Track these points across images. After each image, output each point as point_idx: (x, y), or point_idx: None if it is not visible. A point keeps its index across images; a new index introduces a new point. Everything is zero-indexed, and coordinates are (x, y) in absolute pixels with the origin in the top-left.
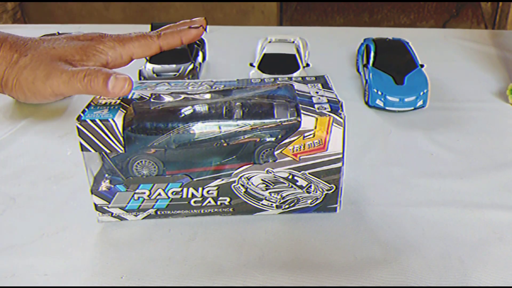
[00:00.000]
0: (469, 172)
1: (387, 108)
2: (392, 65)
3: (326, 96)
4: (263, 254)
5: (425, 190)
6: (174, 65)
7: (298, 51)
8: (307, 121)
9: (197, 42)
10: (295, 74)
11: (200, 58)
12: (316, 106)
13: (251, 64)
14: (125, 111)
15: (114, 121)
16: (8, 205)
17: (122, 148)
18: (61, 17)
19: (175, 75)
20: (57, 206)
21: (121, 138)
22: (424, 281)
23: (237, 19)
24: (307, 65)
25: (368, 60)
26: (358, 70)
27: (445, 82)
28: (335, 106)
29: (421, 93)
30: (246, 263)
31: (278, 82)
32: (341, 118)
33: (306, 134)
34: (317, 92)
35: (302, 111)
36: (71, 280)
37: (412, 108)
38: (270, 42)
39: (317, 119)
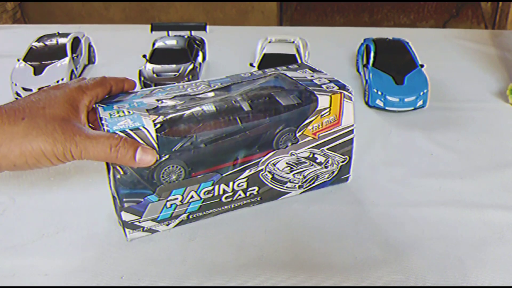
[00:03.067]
0: (469, 172)
1: (387, 108)
2: (392, 65)
3: (325, 77)
4: (263, 254)
5: (425, 190)
6: (174, 65)
7: (298, 51)
8: (323, 100)
9: (197, 42)
10: None
11: (200, 58)
12: (324, 86)
13: (251, 64)
14: (150, 117)
15: (145, 128)
16: (8, 205)
17: (157, 155)
18: (61, 17)
19: (175, 75)
20: (57, 206)
21: (156, 145)
22: (424, 281)
23: (237, 19)
24: None
25: (368, 60)
26: (358, 70)
27: (445, 82)
28: (340, 84)
29: (421, 93)
30: (246, 263)
31: (269, 73)
32: (350, 93)
33: (323, 113)
34: (312, 76)
35: (316, 92)
36: (71, 280)
37: (412, 108)
38: (270, 42)
39: (331, 97)
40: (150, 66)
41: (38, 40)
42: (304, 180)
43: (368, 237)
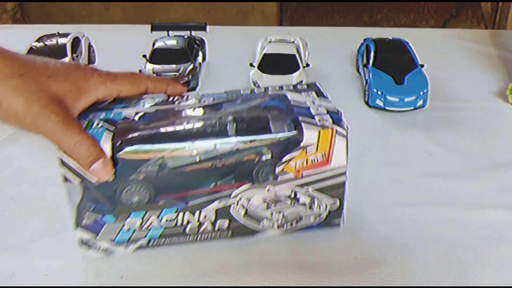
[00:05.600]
0: (469, 172)
1: (387, 108)
2: (392, 65)
3: (324, 106)
4: (263, 254)
5: (425, 190)
6: (174, 65)
7: (298, 51)
8: (309, 135)
9: (197, 42)
10: (295, 74)
11: (200, 58)
12: (316, 118)
13: (251, 64)
14: (111, 134)
15: (100, 146)
16: (8, 205)
17: (112, 175)
18: (61, 17)
19: (175, 75)
20: (57, 206)
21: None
22: (424, 281)
23: (237, 19)
24: (307, 65)
25: (368, 60)
26: (358, 70)
27: (445, 82)
28: (336, 117)
29: (421, 93)
30: (246, 263)
31: (270, 93)
32: (344, 129)
33: (308, 149)
34: (313, 102)
35: (303, 124)
36: (71, 280)
37: (412, 108)
38: (270, 42)
39: (319, 132)
40: (150, 66)
41: (38, 40)
42: (284, 220)
43: (368, 237)
